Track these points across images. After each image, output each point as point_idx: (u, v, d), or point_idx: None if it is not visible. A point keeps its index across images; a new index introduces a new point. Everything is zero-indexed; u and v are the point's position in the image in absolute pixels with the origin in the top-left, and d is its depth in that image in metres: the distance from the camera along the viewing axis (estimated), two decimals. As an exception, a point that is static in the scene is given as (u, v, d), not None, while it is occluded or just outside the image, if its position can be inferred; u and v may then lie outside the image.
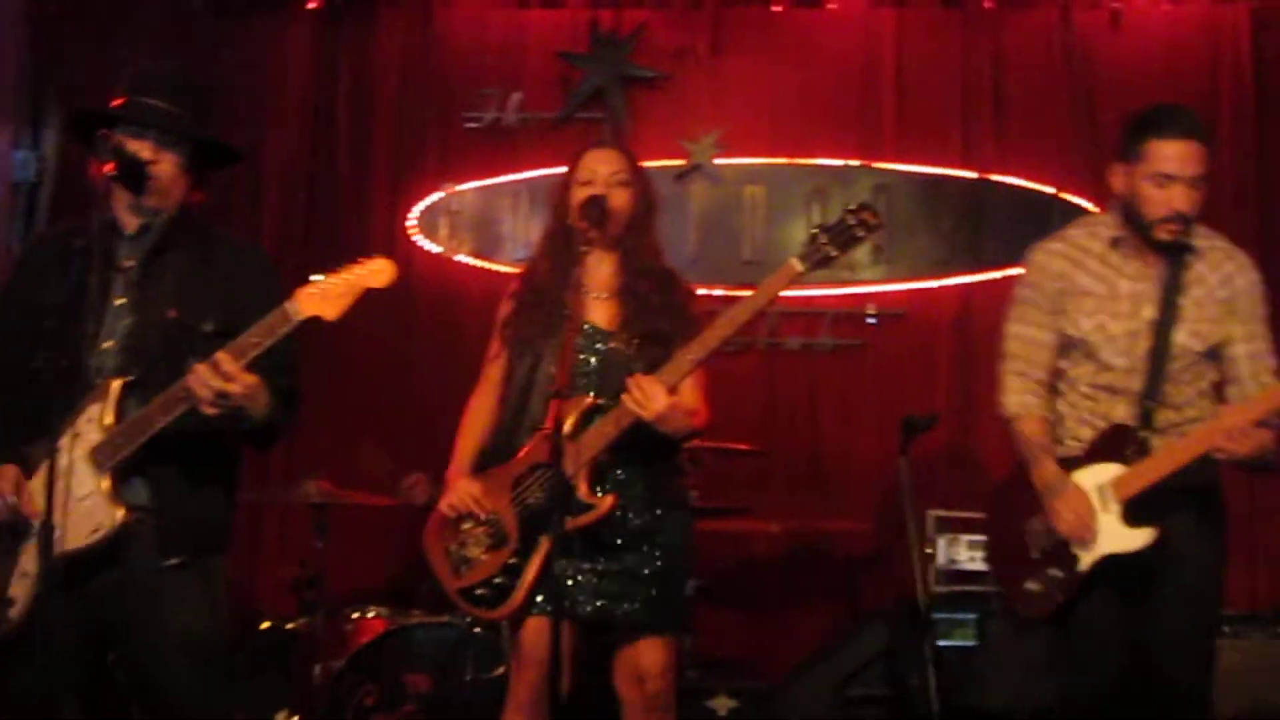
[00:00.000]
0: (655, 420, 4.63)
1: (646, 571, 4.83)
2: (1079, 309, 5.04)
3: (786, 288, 4.72)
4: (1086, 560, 4.93)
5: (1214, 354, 5.01)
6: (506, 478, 4.87)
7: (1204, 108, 8.23)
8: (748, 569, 8.09)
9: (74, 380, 4.26)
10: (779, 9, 8.58)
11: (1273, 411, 4.77)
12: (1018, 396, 5.14)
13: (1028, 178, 8.34)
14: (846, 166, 8.46)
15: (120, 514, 4.26)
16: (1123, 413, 4.99)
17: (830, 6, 8.55)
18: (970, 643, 6.93)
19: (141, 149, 4.40)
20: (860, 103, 8.55)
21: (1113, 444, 4.96)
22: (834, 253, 4.62)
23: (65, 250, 4.33)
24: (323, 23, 8.64)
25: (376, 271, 4.27)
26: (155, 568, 4.34)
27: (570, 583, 4.75)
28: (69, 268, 4.28)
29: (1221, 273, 5.02)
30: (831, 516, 8.22)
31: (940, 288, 8.35)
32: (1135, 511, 4.87)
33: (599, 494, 4.74)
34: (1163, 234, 4.91)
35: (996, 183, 8.32)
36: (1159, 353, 4.94)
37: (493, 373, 5.13)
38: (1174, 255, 4.97)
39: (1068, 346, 5.10)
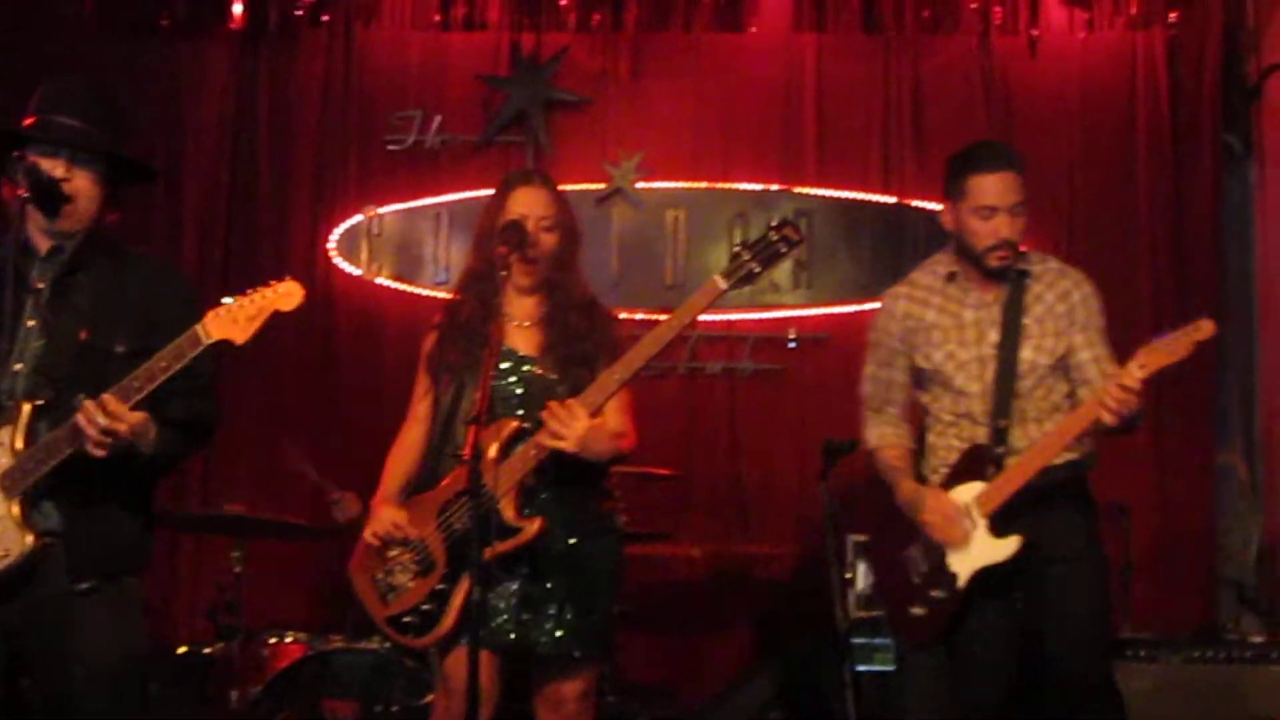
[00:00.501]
0: (577, 448, 4.62)
1: (570, 597, 4.80)
2: (928, 342, 5.34)
3: (710, 305, 4.73)
4: (964, 576, 5.12)
5: (1061, 367, 5.27)
6: (433, 504, 4.84)
7: (1120, 133, 8.38)
8: (669, 593, 8.07)
9: None
10: (701, 33, 8.57)
11: (1155, 371, 4.92)
12: (876, 430, 5.48)
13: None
14: (767, 191, 8.48)
15: (30, 540, 4.20)
16: (984, 436, 5.23)
17: (751, 31, 8.57)
18: (889, 668, 6.95)
19: (54, 167, 4.35)
20: (781, 127, 8.58)
21: (972, 464, 5.21)
22: (757, 269, 4.63)
23: None
24: (243, 45, 8.58)
25: (285, 294, 4.24)
26: (66, 592, 4.27)
27: (494, 609, 4.72)
28: None
29: (1058, 289, 5.32)
30: (752, 541, 8.24)
31: (861, 311, 8.33)
32: (1002, 523, 5.09)
33: (527, 518, 4.70)
34: (994, 261, 5.22)
35: (916, 207, 8.36)
36: (1006, 372, 5.21)
37: (420, 408, 5.11)
38: (1011, 280, 5.28)
39: (926, 380, 5.39)
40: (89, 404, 4.10)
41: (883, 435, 5.44)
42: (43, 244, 4.44)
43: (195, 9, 8.50)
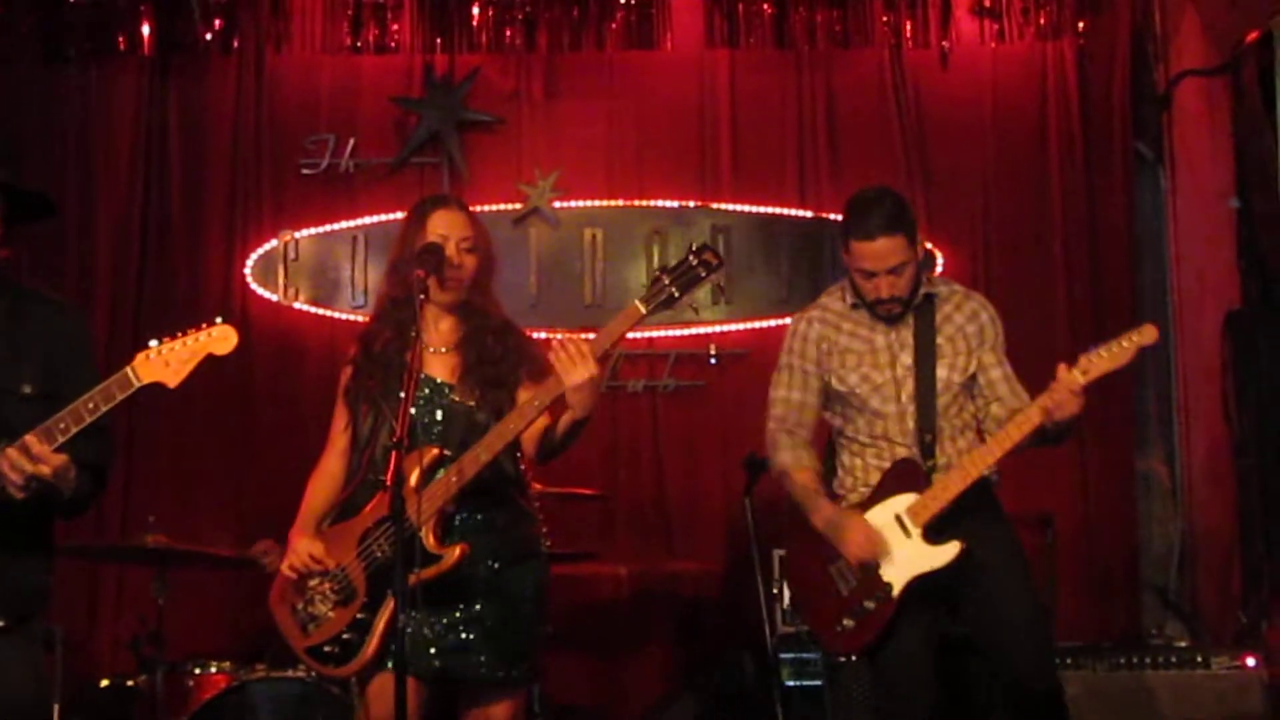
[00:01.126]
0: (580, 383, 4.61)
1: (494, 623, 4.79)
2: (843, 365, 5.42)
3: (630, 330, 4.73)
4: (900, 584, 5.17)
5: (968, 386, 5.39)
6: (353, 533, 4.81)
7: (1032, 142, 8.45)
8: (595, 613, 8.04)
9: None
10: (613, 52, 8.57)
11: (1098, 377, 5.05)
12: (789, 453, 5.48)
13: (864, 215, 8.38)
14: (684, 207, 8.48)
15: None
16: (901, 453, 5.32)
17: (664, 48, 8.57)
18: (817, 682, 6.94)
19: None
20: (696, 144, 8.58)
21: (901, 476, 5.28)
22: (677, 293, 4.65)
23: None
24: (153, 70, 8.49)
25: (220, 338, 4.23)
26: None
27: (418, 637, 4.69)
28: None
29: (965, 311, 5.46)
30: (678, 558, 8.23)
31: (780, 326, 8.28)
32: (935, 532, 5.16)
33: (448, 545, 4.67)
34: (881, 312, 5.38)
35: (833, 220, 8.34)
36: (924, 390, 5.31)
37: (339, 440, 5.08)
38: (918, 305, 5.41)
39: (839, 403, 5.46)
40: (11, 450, 4.06)
41: (797, 458, 5.46)
42: None
43: (104, 36, 8.42)
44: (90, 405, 4.12)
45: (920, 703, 5.22)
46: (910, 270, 5.31)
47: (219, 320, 4.30)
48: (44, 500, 4.18)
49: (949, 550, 5.13)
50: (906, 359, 5.34)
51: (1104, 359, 5.03)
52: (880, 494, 5.27)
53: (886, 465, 5.31)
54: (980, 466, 5.16)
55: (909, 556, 5.17)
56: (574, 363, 4.62)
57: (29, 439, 4.07)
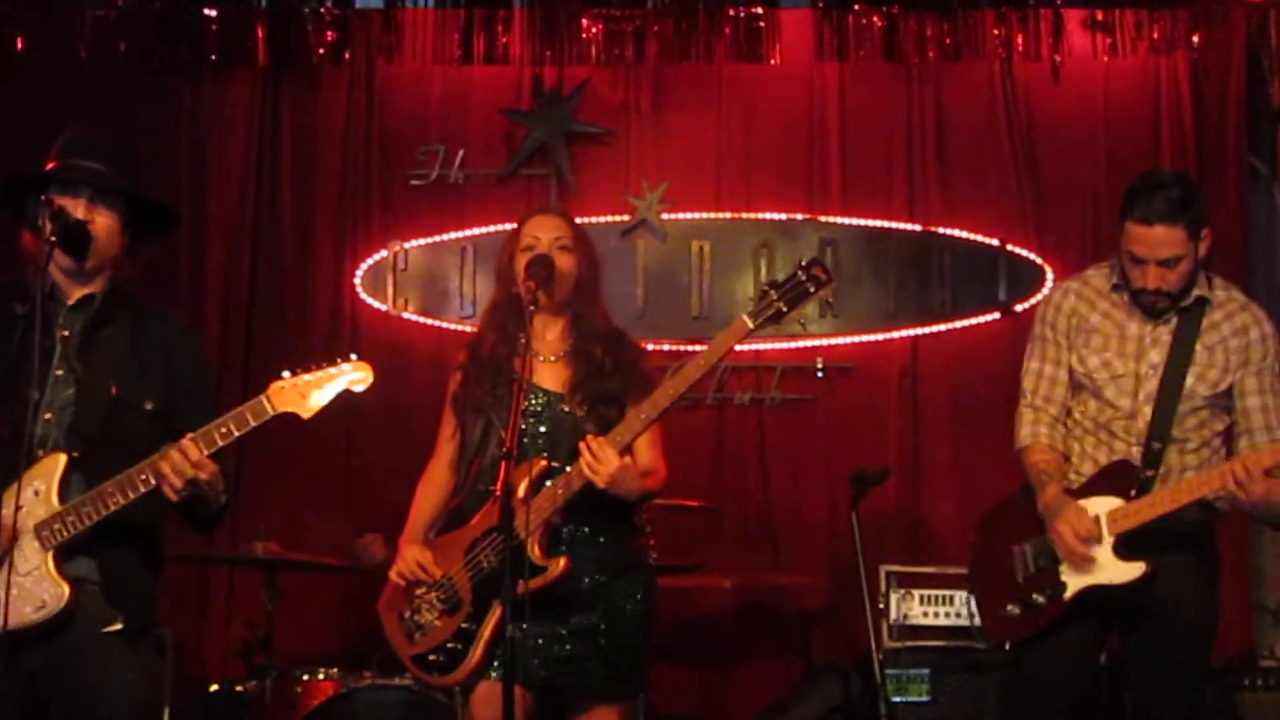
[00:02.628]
0: (608, 485, 4.62)
1: (601, 635, 4.81)
2: (1087, 345, 5.23)
3: (737, 344, 4.73)
4: (1074, 588, 5.01)
5: (1222, 402, 5.14)
6: (461, 543, 4.85)
7: (1145, 157, 8.33)
8: (700, 626, 8.04)
9: (15, 449, 4.21)
10: (722, 64, 8.56)
11: None
12: (1029, 428, 5.31)
13: (973, 229, 8.36)
14: (792, 220, 8.45)
15: (67, 591, 4.24)
16: (1122, 451, 5.12)
17: (772, 62, 8.54)
18: (924, 699, 6.90)
19: (75, 207, 4.38)
20: (805, 156, 8.56)
21: (1114, 478, 5.08)
22: (784, 309, 4.62)
23: (5, 316, 4.30)
24: (265, 82, 8.58)
25: (356, 376, 4.27)
26: (96, 637, 4.31)
27: (524, 647, 4.68)
28: (9, 334, 4.24)
29: (1236, 323, 5.18)
30: (783, 571, 8.19)
31: (888, 340, 8.35)
32: (1129, 546, 4.96)
33: (553, 557, 4.69)
34: (1145, 303, 5.12)
35: (942, 235, 8.33)
36: (1166, 395, 5.08)
37: (447, 448, 5.12)
38: (1188, 304, 5.14)
39: (1076, 384, 5.26)
40: (172, 452, 4.17)
41: (1036, 434, 5.28)
42: (71, 291, 4.47)
43: (219, 48, 8.50)
44: (224, 429, 4.22)
45: (1056, 709, 5.09)
46: (1185, 266, 5.06)
47: (354, 356, 4.34)
48: (192, 507, 4.26)
49: (1133, 569, 4.94)
50: (1155, 357, 5.14)
51: None
52: (1089, 489, 5.10)
53: (1102, 458, 5.15)
54: (1191, 494, 4.92)
55: (1095, 563, 5.00)
56: (593, 471, 4.62)
57: (186, 443, 4.16)
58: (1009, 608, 5.13)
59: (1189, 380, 5.09)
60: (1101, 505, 5.03)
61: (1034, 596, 5.08)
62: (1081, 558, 4.98)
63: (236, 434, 4.22)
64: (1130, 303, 5.20)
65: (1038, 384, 5.33)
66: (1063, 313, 5.32)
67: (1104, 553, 4.99)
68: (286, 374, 4.27)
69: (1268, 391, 5.14)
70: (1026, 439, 5.30)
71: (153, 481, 4.23)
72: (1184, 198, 5.04)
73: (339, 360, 4.32)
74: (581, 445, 4.66)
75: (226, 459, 4.41)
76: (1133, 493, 5.02)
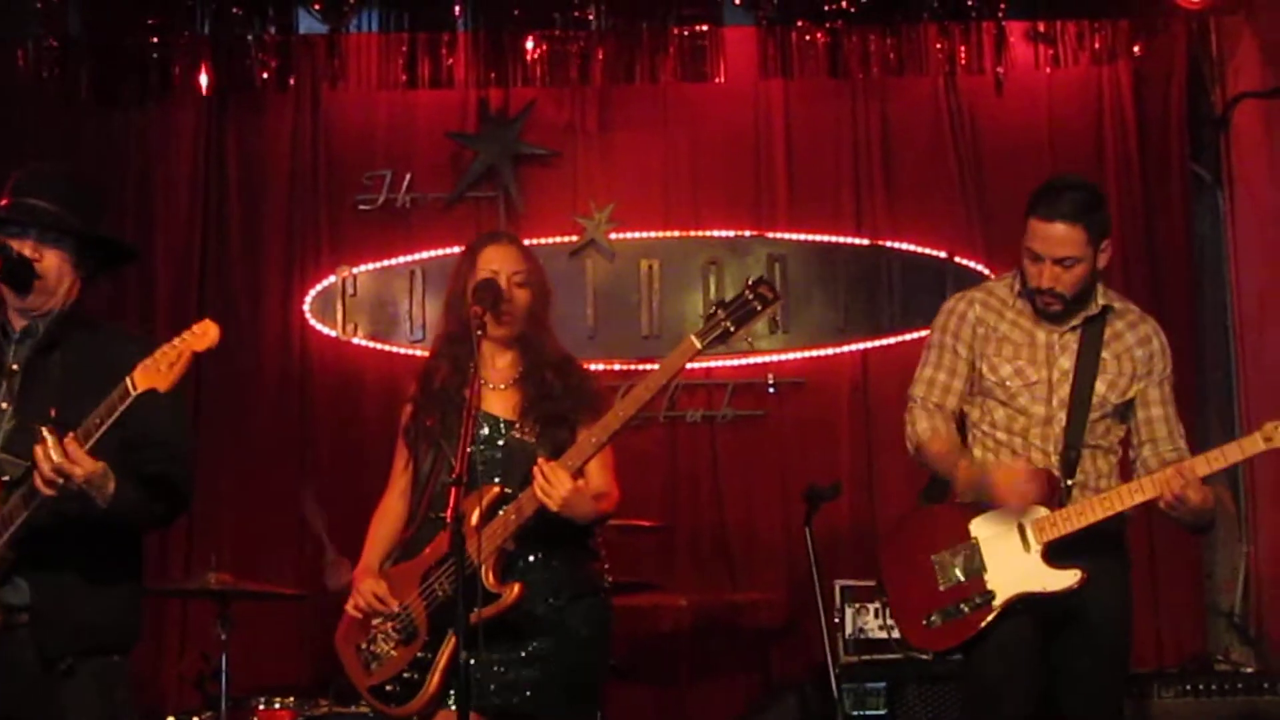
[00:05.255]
0: (561, 508, 4.61)
1: (556, 660, 4.80)
2: (998, 354, 5.22)
3: (686, 364, 4.74)
4: (1003, 596, 5.01)
5: (1123, 411, 5.21)
6: (415, 573, 4.84)
7: (1089, 167, 8.37)
8: (657, 644, 8.05)
9: None
10: (668, 83, 8.57)
11: (1219, 470, 4.99)
12: (925, 423, 5.29)
13: (920, 243, 8.40)
14: (740, 237, 8.48)
15: None
16: (1039, 459, 5.12)
17: (717, 80, 8.56)
18: (881, 711, 6.93)
19: (23, 246, 4.37)
20: (751, 173, 8.59)
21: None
22: (732, 328, 4.62)
23: None
24: (210, 110, 8.55)
25: (200, 335, 4.19)
26: (39, 672, 4.26)
27: (479, 675, 4.65)
28: None
29: (1138, 333, 5.26)
30: (739, 589, 8.21)
31: (838, 354, 8.38)
32: (1058, 553, 4.97)
33: (507, 584, 4.68)
34: (1039, 304, 5.16)
35: (890, 248, 8.38)
36: (1079, 401, 5.11)
37: (400, 480, 5.12)
38: (1092, 318, 5.19)
39: (981, 394, 5.25)
40: (49, 437, 4.08)
41: (934, 428, 5.26)
42: (17, 324, 4.45)
43: (162, 76, 8.47)
44: (96, 421, 4.14)
45: (1015, 707, 5.02)
46: (1081, 270, 5.08)
47: (204, 319, 4.28)
48: (79, 509, 4.20)
49: (1067, 577, 4.94)
50: (1066, 363, 5.15)
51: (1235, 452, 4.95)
52: None
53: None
54: (1124, 503, 4.97)
55: (1023, 570, 4.98)
56: (546, 495, 4.62)
57: (68, 437, 4.10)
58: (932, 618, 5.10)
59: (1100, 387, 5.14)
60: (1028, 513, 5.03)
61: (960, 605, 5.06)
62: (1036, 490, 4.99)
63: (109, 420, 4.12)
64: (1035, 310, 5.22)
65: (930, 390, 5.32)
66: (967, 322, 5.30)
67: (1034, 560, 4.99)
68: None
69: (1169, 402, 5.24)
70: (925, 433, 5.27)
71: (31, 503, 4.18)
72: (1089, 202, 5.12)
73: (191, 326, 4.25)
74: (534, 470, 4.65)
75: (138, 478, 4.32)
76: (1056, 500, 5.05)
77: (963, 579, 5.08)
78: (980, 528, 5.10)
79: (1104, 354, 5.17)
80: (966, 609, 5.05)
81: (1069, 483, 5.09)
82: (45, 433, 4.10)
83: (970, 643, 5.07)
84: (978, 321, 5.28)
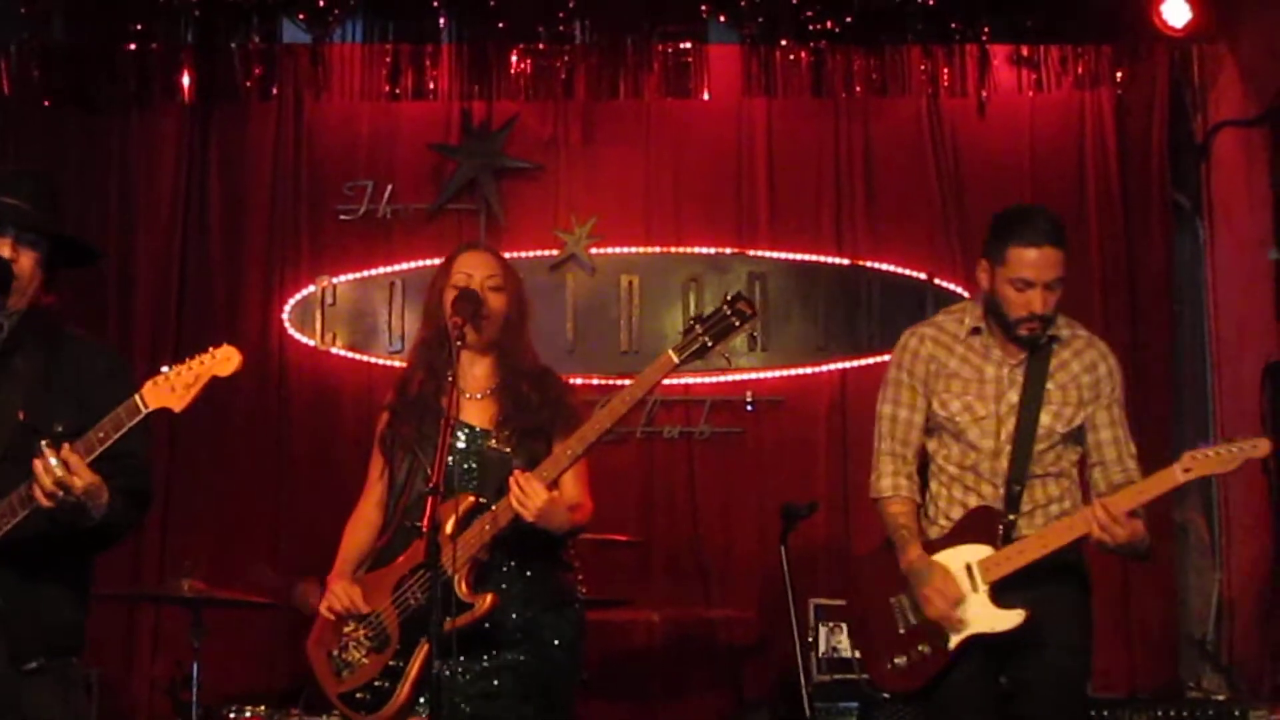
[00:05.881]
0: (536, 518, 4.61)
1: (528, 670, 4.80)
2: (947, 390, 5.28)
3: (664, 379, 4.74)
4: (956, 640, 5.07)
5: (1076, 436, 5.25)
6: (389, 580, 4.84)
7: (1070, 192, 8.41)
8: (629, 660, 8.04)
9: None
10: (651, 99, 8.58)
11: (1144, 503, 5.01)
12: (890, 479, 5.35)
13: (900, 264, 8.42)
14: (721, 254, 8.49)
15: None
16: (989, 493, 5.19)
17: (701, 97, 8.58)
18: (854, 730, 6.93)
19: (2, 247, 4.33)
20: (733, 191, 8.59)
21: (979, 526, 5.16)
22: (710, 343, 4.64)
23: None
24: (193, 118, 8.54)
25: (223, 359, 4.20)
26: (10, 673, 4.23)
27: (451, 684, 4.65)
28: None
29: (1084, 360, 5.28)
30: (713, 605, 8.21)
31: (816, 374, 8.39)
32: (1004, 591, 5.04)
33: (480, 594, 4.68)
34: (1022, 331, 5.17)
35: (870, 269, 8.38)
36: (1024, 435, 5.17)
37: (376, 488, 5.13)
38: (1036, 344, 5.22)
39: (936, 428, 5.33)
40: (49, 450, 4.05)
41: (897, 485, 5.32)
42: None
43: (145, 83, 8.47)
44: (100, 434, 4.13)
45: None
46: (1061, 292, 5.15)
47: (224, 345, 4.29)
48: (72, 519, 4.18)
49: (1012, 618, 5.00)
50: (1013, 397, 5.20)
51: (1211, 461, 4.94)
52: (955, 537, 5.17)
53: (972, 501, 5.20)
54: (1059, 540, 5.01)
55: (972, 613, 5.05)
56: (521, 505, 4.61)
57: (67, 448, 4.07)
58: (895, 660, 5.19)
59: (1046, 419, 5.19)
60: (972, 554, 5.11)
61: (919, 648, 5.14)
62: (955, 620, 5.05)
63: (114, 436, 4.13)
64: (985, 346, 5.28)
65: (893, 428, 5.38)
66: (920, 359, 5.36)
67: (981, 602, 5.06)
68: (165, 369, 4.21)
69: (1118, 424, 5.27)
70: (888, 490, 5.35)
71: (17, 514, 4.15)
72: (1059, 224, 5.21)
73: (209, 349, 4.24)
74: (510, 480, 4.65)
75: (118, 488, 4.27)
76: (999, 537, 5.11)
77: (918, 622, 5.15)
78: None
79: (1049, 385, 5.21)
80: (926, 650, 5.13)
81: (1011, 517, 5.14)
82: (45, 447, 4.06)
83: (928, 688, 5.14)
84: (930, 358, 5.34)
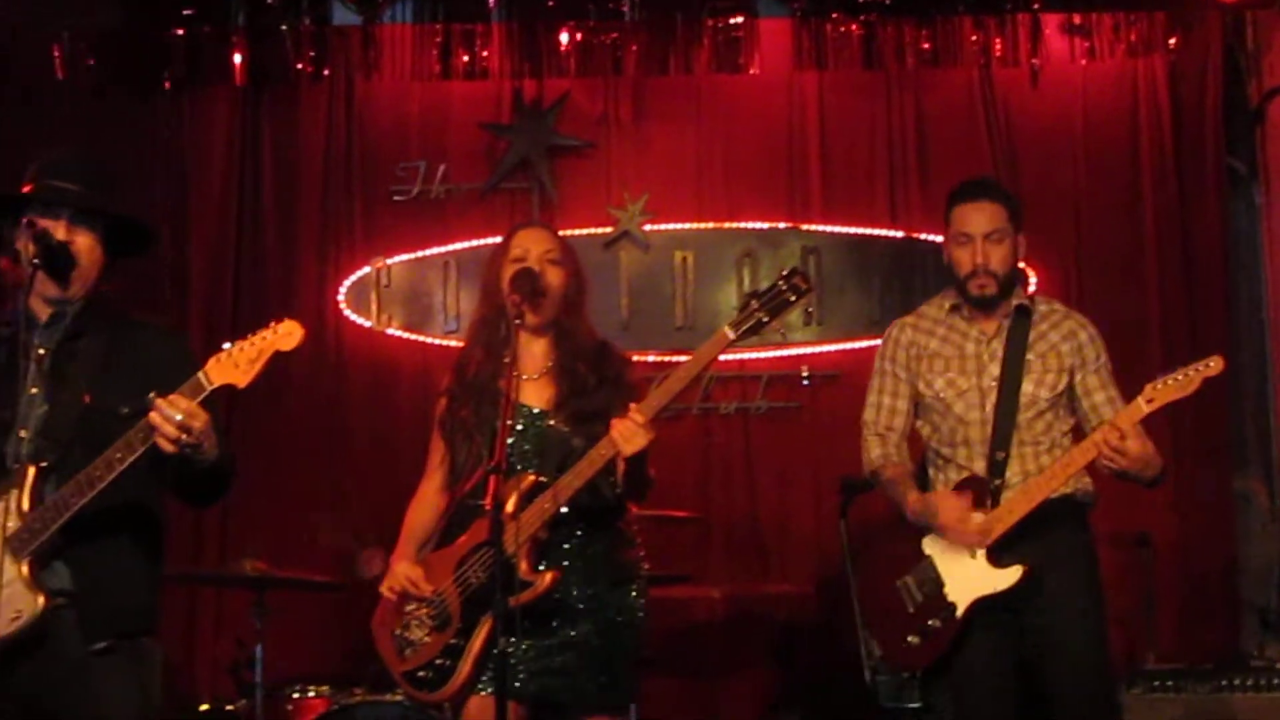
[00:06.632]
0: (636, 450, 4.62)
1: (591, 647, 4.81)
2: (930, 370, 5.47)
3: (720, 355, 4.74)
4: (963, 605, 5.20)
5: (1062, 403, 5.39)
6: (450, 560, 4.85)
7: (1124, 160, 8.38)
8: (690, 636, 8.04)
9: None
10: (702, 75, 8.57)
11: (1162, 405, 5.09)
12: (878, 451, 5.57)
13: (955, 235, 8.36)
14: (774, 229, 8.47)
15: (40, 600, 4.17)
16: (979, 467, 5.32)
17: (752, 71, 8.56)
18: (915, 704, 6.89)
19: (55, 229, 4.35)
20: (786, 165, 8.58)
21: (966, 495, 5.28)
22: (765, 319, 4.62)
23: None
24: (245, 101, 8.58)
25: (285, 334, 4.22)
26: (81, 653, 4.26)
27: (514, 661, 4.69)
28: None
29: (1062, 330, 5.46)
30: (772, 580, 8.21)
31: (872, 347, 8.27)
32: (1001, 552, 5.18)
33: (540, 571, 4.69)
34: (974, 289, 5.39)
35: (924, 240, 8.33)
36: (1007, 404, 5.31)
37: (436, 473, 5.13)
38: (1014, 317, 5.42)
39: (925, 410, 5.51)
40: (160, 401, 4.06)
41: (885, 455, 5.54)
42: (42, 312, 4.44)
43: (197, 67, 8.51)
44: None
45: (996, 713, 5.25)
46: (1008, 246, 5.39)
47: (285, 319, 4.29)
48: (187, 462, 4.20)
49: (1010, 575, 5.14)
50: (995, 370, 5.37)
51: (1170, 389, 5.04)
52: None
53: (963, 477, 5.33)
54: (1044, 491, 5.16)
55: (972, 577, 5.20)
56: (627, 440, 4.61)
57: (174, 395, 4.09)
58: (909, 639, 5.31)
59: (1028, 387, 5.34)
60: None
61: (930, 622, 5.26)
62: (977, 532, 5.18)
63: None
64: (967, 321, 5.47)
65: (878, 415, 5.61)
66: (901, 346, 5.59)
67: (980, 565, 5.20)
68: (226, 345, 4.23)
69: (1109, 385, 5.41)
70: (878, 460, 5.56)
71: (125, 460, 4.15)
72: (998, 184, 5.65)
73: (271, 324, 4.25)
74: (614, 421, 4.64)
75: (219, 414, 4.31)
76: (987, 504, 5.23)
77: (926, 598, 5.28)
78: (932, 544, 5.36)
79: (1029, 356, 5.39)
80: (936, 623, 5.25)
81: (997, 483, 5.26)
82: (154, 396, 4.08)
83: (941, 664, 5.29)
84: (910, 344, 5.56)
